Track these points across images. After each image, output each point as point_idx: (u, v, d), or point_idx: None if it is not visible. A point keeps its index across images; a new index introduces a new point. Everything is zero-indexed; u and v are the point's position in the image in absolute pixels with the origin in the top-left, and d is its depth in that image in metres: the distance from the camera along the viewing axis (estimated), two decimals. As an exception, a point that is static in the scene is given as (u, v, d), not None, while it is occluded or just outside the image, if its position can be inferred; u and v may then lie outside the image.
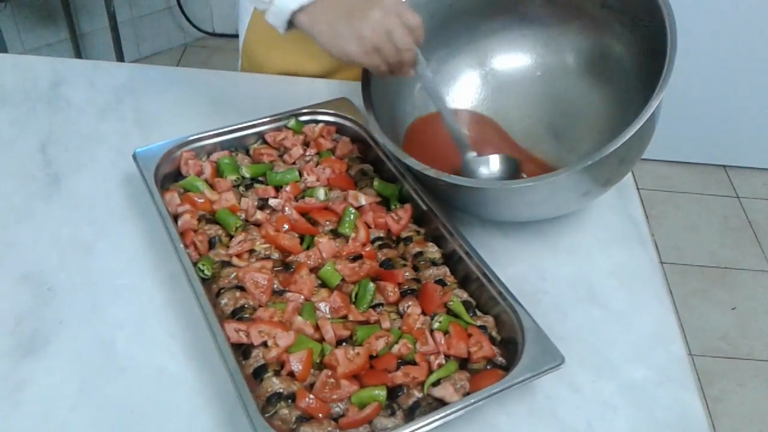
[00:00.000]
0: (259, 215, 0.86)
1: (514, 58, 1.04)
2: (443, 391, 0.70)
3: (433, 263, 0.83)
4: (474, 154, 0.92)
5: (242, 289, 0.78)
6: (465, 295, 0.80)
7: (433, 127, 0.98)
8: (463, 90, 1.04)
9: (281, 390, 0.69)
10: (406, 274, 0.81)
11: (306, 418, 0.68)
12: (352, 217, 0.85)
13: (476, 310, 0.79)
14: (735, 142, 2.51)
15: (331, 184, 0.91)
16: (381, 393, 0.70)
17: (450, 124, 0.90)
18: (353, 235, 0.84)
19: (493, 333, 0.77)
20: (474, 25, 1.01)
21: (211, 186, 0.89)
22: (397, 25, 0.78)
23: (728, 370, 1.97)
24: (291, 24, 0.83)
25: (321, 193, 0.89)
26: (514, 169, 0.94)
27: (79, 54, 2.56)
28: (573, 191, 0.84)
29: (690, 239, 2.31)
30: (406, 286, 0.80)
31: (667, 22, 0.83)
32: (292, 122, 0.97)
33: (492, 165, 0.93)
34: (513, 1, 1.00)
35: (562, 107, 1.01)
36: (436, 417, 0.67)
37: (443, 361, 0.73)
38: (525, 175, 0.96)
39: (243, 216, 0.86)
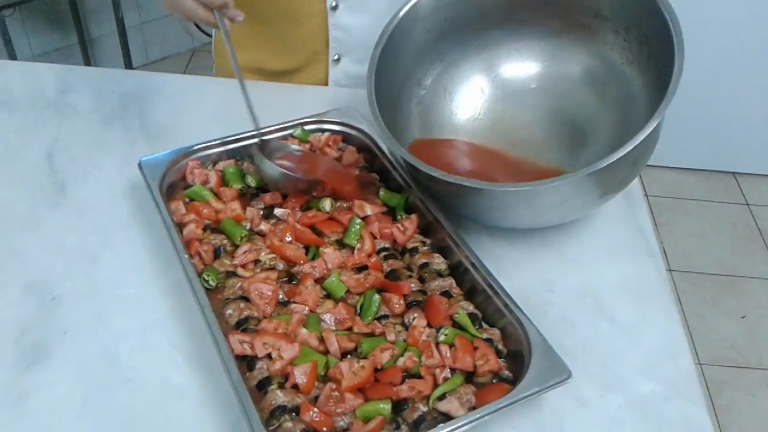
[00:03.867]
0: (264, 225, 0.85)
1: (512, 68, 1.03)
2: (449, 405, 0.70)
3: (439, 274, 0.83)
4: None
5: (247, 299, 0.78)
6: (471, 307, 0.79)
7: (435, 150, 0.98)
8: (464, 102, 1.03)
9: (285, 403, 0.69)
10: (412, 285, 0.80)
11: (310, 431, 0.67)
12: (357, 227, 0.85)
13: (482, 323, 0.78)
14: (744, 148, 2.49)
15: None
16: (386, 407, 0.69)
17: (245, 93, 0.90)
18: (359, 245, 0.84)
19: (500, 346, 0.76)
20: (468, 39, 1.01)
21: (217, 195, 0.89)
22: None
23: (737, 379, 1.95)
24: None
25: (327, 204, 0.88)
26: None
27: (87, 59, 2.57)
28: (589, 193, 0.84)
29: (699, 247, 2.30)
30: (411, 298, 0.79)
31: (671, 25, 0.82)
32: (298, 131, 0.97)
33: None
34: (507, 14, 1.00)
35: (564, 117, 1.01)
36: (442, 432, 0.66)
37: (449, 375, 0.73)
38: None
39: (248, 226, 0.86)
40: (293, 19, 1.10)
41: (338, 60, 1.12)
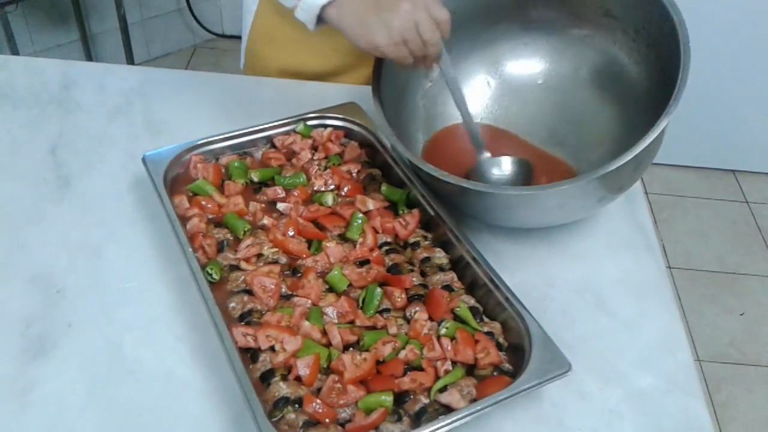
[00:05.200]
0: (267, 220, 0.86)
1: (518, 63, 1.04)
2: (450, 398, 0.70)
3: (441, 269, 0.83)
4: (488, 155, 0.93)
5: (250, 293, 0.79)
6: (472, 301, 0.80)
7: (446, 144, 0.99)
8: (470, 95, 1.03)
9: (288, 395, 0.69)
10: (414, 279, 0.81)
11: (313, 423, 0.68)
12: (359, 221, 0.86)
13: (483, 316, 0.79)
14: (745, 146, 2.50)
15: (339, 185, 0.92)
16: (388, 399, 0.70)
17: (468, 122, 0.91)
18: (361, 240, 0.85)
19: (500, 339, 0.77)
20: (476, 33, 1.01)
21: (216, 189, 0.90)
22: (425, 18, 0.80)
23: (736, 376, 1.96)
24: (320, 19, 0.84)
25: (329, 198, 0.89)
26: (526, 171, 0.95)
27: (89, 55, 2.57)
28: (589, 197, 0.85)
29: (699, 244, 2.30)
30: (413, 292, 0.80)
31: (679, 30, 0.83)
32: (300, 126, 0.98)
33: (504, 166, 0.94)
34: (515, 9, 1.00)
35: (568, 115, 1.01)
36: (443, 423, 0.67)
37: (450, 367, 0.73)
38: (538, 179, 0.96)
39: (251, 219, 0.87)
40: None
41: None
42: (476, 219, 0.92)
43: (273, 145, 0.97)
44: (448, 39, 0.84)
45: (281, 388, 0.70)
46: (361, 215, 0.86)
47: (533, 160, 0.98)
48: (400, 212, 0.89)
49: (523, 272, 0.88)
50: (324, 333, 0.75)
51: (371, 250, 0.84)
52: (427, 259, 0.84)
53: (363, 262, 0.83)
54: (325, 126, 0.99)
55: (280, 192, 0.90)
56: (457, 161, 0.95)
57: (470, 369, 0.74)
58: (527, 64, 1.03)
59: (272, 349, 0.73)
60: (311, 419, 0.68)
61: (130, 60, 2.55)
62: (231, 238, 0.85)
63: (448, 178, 0.81)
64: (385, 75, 0.92)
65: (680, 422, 0.76)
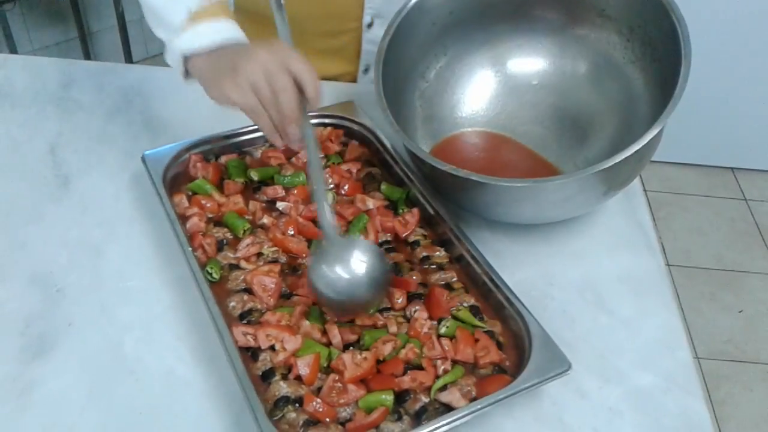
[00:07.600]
0: (267, 219, 0.86)
1: (514, 64, 1.04)
2: (450, 396, 0.70)
3: (440, 267, 0.83)
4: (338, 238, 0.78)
5: (250, 292, 0.79)
6: (472, 300, 0.80)
7: (447, 156, 0.99)
8: (466, 96, 1.04)
9: (289, 394, 0.69)
10: (414, 278, 0.81)
11: (313, 422, 0.68)
12: (364, 221, 0.86)
13: (483, 315, 0.79)
14: (743, 144, 2.50)
15: (338, 184, 0.92)
16: (388, 398, 0.70)
17: (319, 200, 0.76)
18: (361, 238, 0.85)
19: (500, 338, 0.77)
20: (472, 34, 1.01)
21: (216, 188, 0.90)
22: (276, 66, 0.72)
23: (735, 374, 1.97)
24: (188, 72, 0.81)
25: (329, 197, 0.89)
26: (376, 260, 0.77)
27: (87, 53, 2.56)
28: (588, 192, 0.85)
29: (697, 242, 2.31)
30: (413, 291, 0.80)
31: (679, 29, 0.83)
32: (300, 125, 0.97)
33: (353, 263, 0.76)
34: (511, 9, 1.00)
35: (565, 112, 1.01)
36: (443, 422, 0.67)
37: (450, 366, 0.73)
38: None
39: (251, 219, 0.87)
40: (329, 36, 1.10)
41: (367, 70, 1.13)
42: (477, 215, 0.92)
43: (272, 144, 0.97)
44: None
45: (281, 388, 0.70)
46: (366, 216, 0.86)
47: (531, 167, 0.97)
48: (400, 211, 0.89)
49: (523, 271, 0.88)
50: (324, 332, 0.75)
51: (371, 249, 0.84)
52: (427, 257, 0.84)
53: (363, 261, 0.83)
54: (325, 125, 0.99)
55: (279, 191, 0.90)
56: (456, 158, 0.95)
57: (470, 368, 0.75)
58: (524, 64, 1.04)
59: (272, 348, 0.73)
60: (312, 418, 0.68)
61: (129, 58, 2.54)
62: (231, 237, 0.85)
63: (451, 170, 0.81)
64: (385, 74, 0.92)
65: (680, 420, 0.76)
